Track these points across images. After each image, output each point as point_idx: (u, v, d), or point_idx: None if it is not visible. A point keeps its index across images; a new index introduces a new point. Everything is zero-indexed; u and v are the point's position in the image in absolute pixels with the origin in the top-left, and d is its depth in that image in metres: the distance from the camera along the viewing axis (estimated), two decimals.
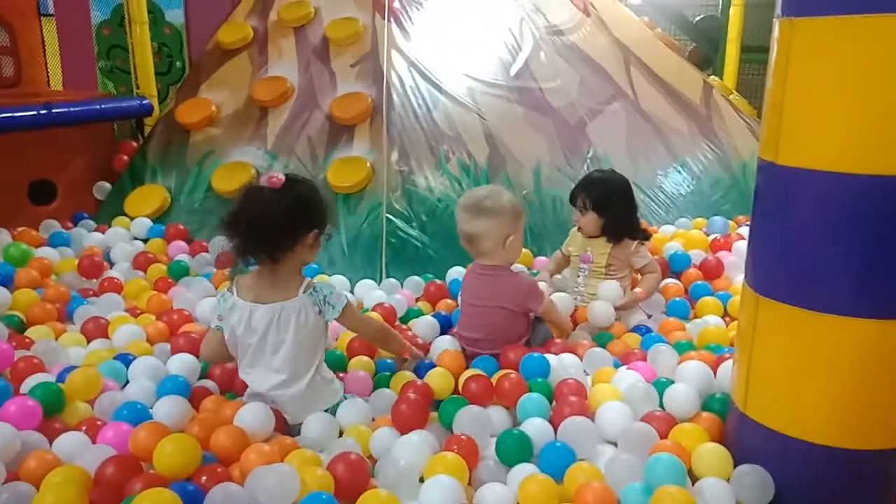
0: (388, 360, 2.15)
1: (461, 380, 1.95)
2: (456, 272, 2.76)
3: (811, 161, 1.35)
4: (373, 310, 2.42)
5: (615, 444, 1.70)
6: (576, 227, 2.61)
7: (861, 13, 1.25)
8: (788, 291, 1.42)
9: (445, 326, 2.40)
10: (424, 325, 2.38)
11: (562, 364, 2.05)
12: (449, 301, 2.61)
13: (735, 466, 1.53)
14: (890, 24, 1.23)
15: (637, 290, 2.48)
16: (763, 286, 1.47)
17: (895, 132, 1.26)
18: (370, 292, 2.64)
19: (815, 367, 1.40)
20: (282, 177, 1.77)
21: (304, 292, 1.83)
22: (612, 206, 2.47)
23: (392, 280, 2.77)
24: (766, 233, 1.50)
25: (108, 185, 3.63)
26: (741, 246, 2.86)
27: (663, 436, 1.67)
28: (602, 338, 2.32)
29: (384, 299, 2.53)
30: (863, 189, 1.30)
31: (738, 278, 2.65)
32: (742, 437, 1.57)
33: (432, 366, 2.05)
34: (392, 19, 3.69)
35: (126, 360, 2.03)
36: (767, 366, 1.48)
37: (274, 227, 1.76)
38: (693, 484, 1.52)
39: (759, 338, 1.49)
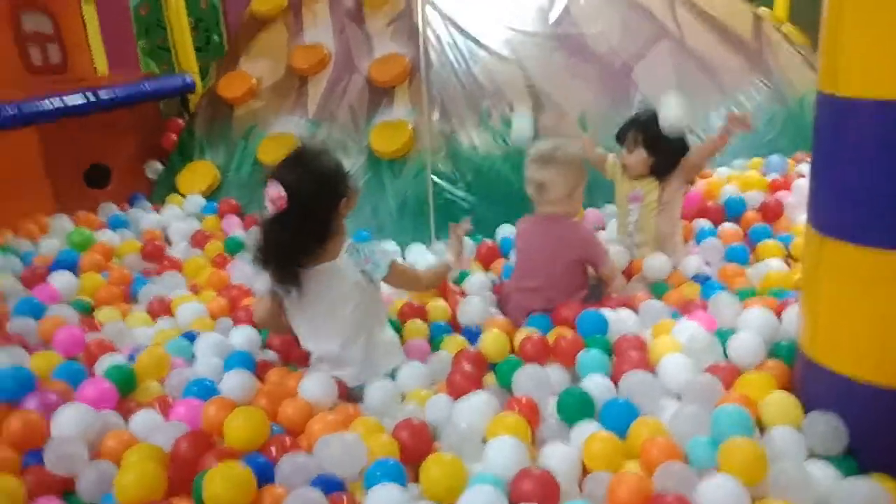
0: (442, 323, 2.16)
1: (516, 340, 1.94)
2: (506, 231, 2.74)
3: (874, 90, 1.29)
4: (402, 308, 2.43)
5: (679, 398, 1.67)
6: (615, 162, 2.55)
7: None
8: (855, 230, 1.36)
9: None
10: (475, 283, 2.39)
11: (619, 318, 2.03)
12: (502, 260, 2.60)
13: (805, 414, 1.49)
14: None
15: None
16: (828, 226, 1.42)
17: None
18: (421, 256, 2.64)
19: (885, 308, 1.35)
20: (282, 193, 1.74)
21: (345, 252, 1.85)
22: (662, 143, 2.39)
23: (442, 243, 2.76)
24: (828, 170, 1.43)
25: (158, 164, 3.70)
26: (801, 185, 2.76)
27: (729, 387, 1.64)
28: (659, 288, 2.28)
29: (435, 262, 2.53)
30: None
31: (800, 219, 2.56)
32: (811, 383, 1.53)
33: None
34: None
35: (191, 337, 2.09)
36: (836, 309, 1.43)
37: (304, 237, 1.79)
38: (762, 434, 1.50)
39: (826, 280, 1.44)
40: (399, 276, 1.97)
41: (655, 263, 2.34)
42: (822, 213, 1.45)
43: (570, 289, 2.18)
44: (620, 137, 2.49)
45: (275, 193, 1.75)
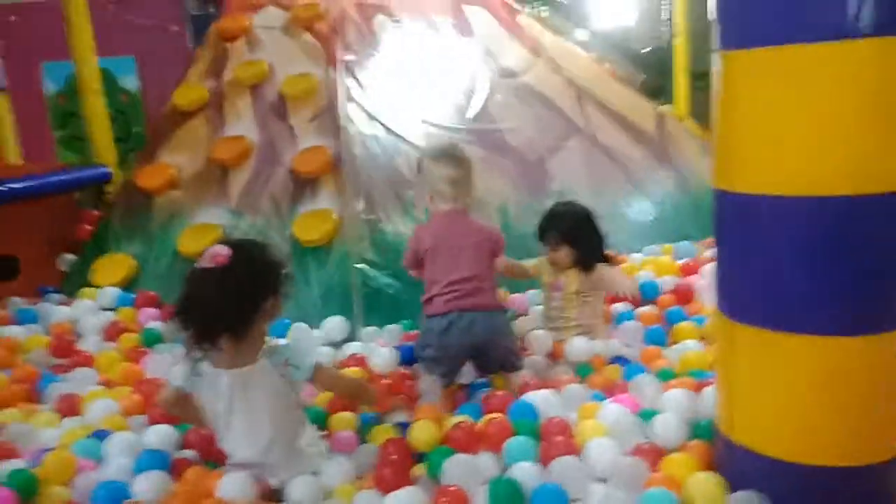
0: (371, 414, 2.12)
1: (445, 426, 1.93)
2: None
3: (764, 186, 1.39)
4: (345, 361, 2.42)
5: (606, 481, 1.69)
6: (546, 258, 2.63)
7: (792, 43, 1.30)
8: (760, 315, 1.44)
9: (408, 356, 2.40)
10: (383, 356, 2.38)
11: (546, 401, 2.05)
12: None
13: (729, 493, 1.53)
14: (821, 51, 1.28)
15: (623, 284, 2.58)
16: (735, 312, 1.50)
17: (843, 152, 1.31)
18: (346, 344, 2.62)
19: (794, 388, 1.42)
20: (226, 251, 1.67)
21: (264, 357, 1.78)
22: (583, 235, 2.51)
23: (368, 329, 2.75)
24: (730, 259, 1.53)
25: (72, 257, 3.56)
26: (710, 268, 2.90)
27: (653, 468, 1.66)
28: (583, 370, 2.32)
29: (360, 350, 2.51)
30: (818, 210, 1.34)
31: (710, 301, 2.68)
32: (732, 462, 1.58)
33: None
34: (346, 72, 3.74)
35: (102, 436, 1.97)
36: (749, 390, 1.49)
37: (231, 307, 1.68)
38: None
39: (738, 363, 1.51)
40: (321, 380, 1.90)
41: (578, 345, 2.39)
42: (728, 299, 1.53)
43: (492, 281, 2.30)
44: (542, 237, 2.58)
45: (218, 250, 1.67)
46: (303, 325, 2.77)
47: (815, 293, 1.37)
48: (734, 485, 1.53)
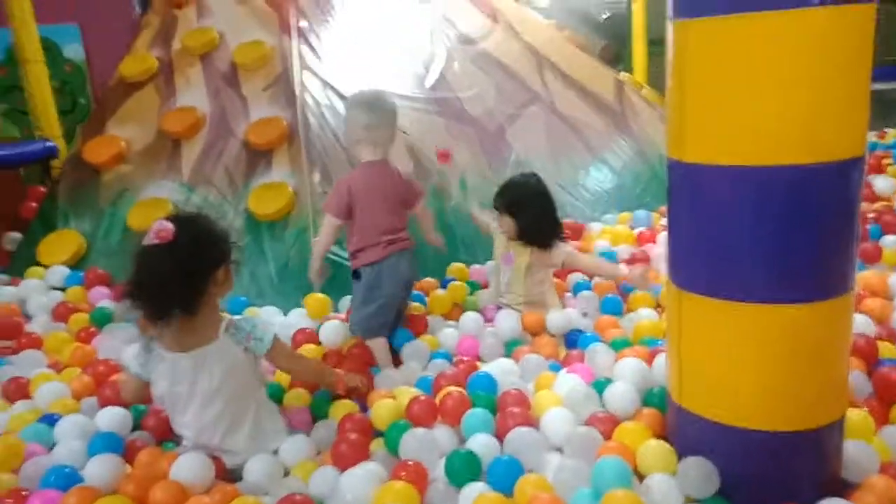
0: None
1: (403, 401, 1.92)
2: None
3: (716, 157, 1.39)
4: (296, 335, 2.41)
5: (562, 451, 1.71)
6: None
7: (745, 12, 1.29)
8: (707, 284, 1.45)
9: None
10: (330, 329, 2.38)
11: (504, 372, 2.06)
12: None
13: (679, 459, 1.56)
14: (773, 20, 1.27)
15: (622, 269, 2.58)
16: (684, 281, 1.51)
17: (789, 122, 1.31)
18: (303, 321, 2.59)
19: (741, 355, 1.44)
20: (170, 226, 1.65)
21: (224, 332, 1.76)
22: (527, 208, 2.49)
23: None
24: (681, 228, 1.53)
25: (18, 235, 3.45)
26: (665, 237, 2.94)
27: (607, 437, 1.69)
28: (511, 345, 2.34)
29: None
30: (766, 179, 1.35)
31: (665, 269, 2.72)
32: (682, 429, 1.60)
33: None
34: (300, 39, 3.65)
35: (51, 420, 1.92)
36: (697, 358, 1.51)
37: (181, 281, 1.66)
38: (640, 482, 1.55)
39: (686, 331, 1.52)
40: (279, 358, 1.88)
41: (553, 319, 2.42)
42: (678, 268, 1.55)
43: (406, 225, 2.43)
44: (494, 205, 2.57)
45: (162, 226, 1.64)
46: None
47: (762, 262, 1.39)
48: (684, 451, 1.55)
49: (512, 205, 2.50)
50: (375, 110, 2.37)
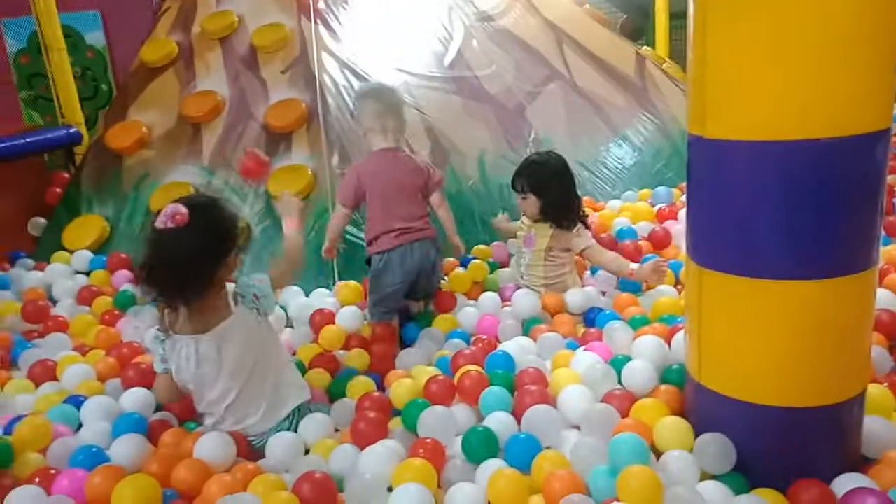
0: (350, 368, 2.14)
1: (422, 381, 1.93)
2: None
3: (737, 132, 1.36)
4: (313, 315, 2.44)
5: (579, 428, 1.71)
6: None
7: None
8: (728, 261, 1.43)
9: None
10: (348, 315, 2.40)
11: (522, 350, 2.06)
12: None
13: (696, 436, 1.55)
14: None
15: (631, 266, 2.48)
16: (704, 258, 1.49)
17: (812, 96, 1.28)
18: (324, 300, 2.61)
19: (760, 332, 1.42)
20: (184, 209, 1.65)
21: (236, 304, 1.79)
22: (551, 187, 2.48)
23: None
24: (701, 205, 1.51)
25: (43, 221, 3.51)
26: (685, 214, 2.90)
27: (624, 414, 1.68)
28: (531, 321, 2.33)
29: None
30: (788, 154, 1.32)
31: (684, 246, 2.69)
32: (700, 406, 1.59)
33: None
34: (318, 21, 3.64)
35: (77, 402, 1.97)
36: (716, 335, 1.50)
37: (195, 266, 1.68)
38: (658, 458, 1.54)
39: (706, 308, 1.51)
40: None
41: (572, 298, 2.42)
42: (698, 246, 1.53)
43: (426, 213, 2.44)
44: (513, 184, 2.56)
45: (176, 209, 1.65)
46: None
47: (783, 239, 1.36)
48: (702, 428, 1.54)
49: (535, 184, 2.48)
50: (382, 98, 2.43)
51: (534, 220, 2.54)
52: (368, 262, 2.43)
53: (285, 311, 2.57)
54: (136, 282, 1.75)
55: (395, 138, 2.42)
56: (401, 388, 1.91)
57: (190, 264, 1.66)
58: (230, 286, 1.82)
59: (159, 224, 1.65)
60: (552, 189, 2.47)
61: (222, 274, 1.75)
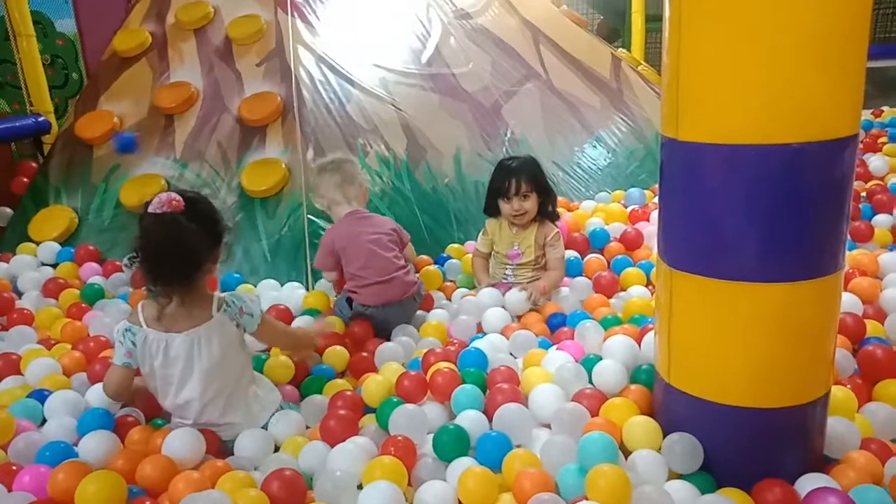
0: (323, 366, 2.12)
1: (393, 379, 1.93)
2: None
3: (710, 135, 1.38)
4: (269, 311, 2.40)
5: (550, 427, 1.72)
6: (494, 224, 2.60)
7: None
8: (699, 263, 1.45)
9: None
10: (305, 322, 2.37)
11: (494, 347, 2.07)
12: None
13: (665, 436, 1.57)
14: None
15: (539, 283, 2.46)
16: (675, 259, 1.50)
17: (784, 101, 1.30)
18: (296, 292, 2.59)
19: (729, 334, 1.44)
20: (179, 196, 1.68)
21: (218, 310, 1.77)
22: (549, 187, 2.57)
23: (321, 281, 2.72)
24: (673, 207, 1.53)
25: (8, 211, 3.44)
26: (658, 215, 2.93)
27: (595, 413, 1.70)
28: None
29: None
30: (760, 158, 1.34)
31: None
32: (669, 406, 1.61)
33: None
34: (295, 14, 3.61)
35: (41, 396, 1.93)
36: (686, 336, 1.51)
37: (190, 252, 1.69)
38: (626, 458, 1.56)
39: (676, 309, 1.52)
40: (268, 327, 1.89)
41: (514, 298, 2.42)
42: (669, 247, 1.54)
43: (403, 264, 2.42)
44: (513, 188, 2.47)
45: (171, 196, 1.66)
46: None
47: (753, 241, 1.38)
48: (670, 427, 1.56)
49: (539, 184, 2.51)
50: (340, 170, 2.48)
51: (526, 222, 2.52)
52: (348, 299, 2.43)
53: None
54: (131, 265, 1.74)
55: (359, 203, 2.48)
56: (372, 385, 1.91)
57: (187, 248, 1.68)
58: (217, 294, 1.81)
59: (156, 209, 1.65)
60: (550, 188, 2.56)
61: (209, 265, 1.76)
